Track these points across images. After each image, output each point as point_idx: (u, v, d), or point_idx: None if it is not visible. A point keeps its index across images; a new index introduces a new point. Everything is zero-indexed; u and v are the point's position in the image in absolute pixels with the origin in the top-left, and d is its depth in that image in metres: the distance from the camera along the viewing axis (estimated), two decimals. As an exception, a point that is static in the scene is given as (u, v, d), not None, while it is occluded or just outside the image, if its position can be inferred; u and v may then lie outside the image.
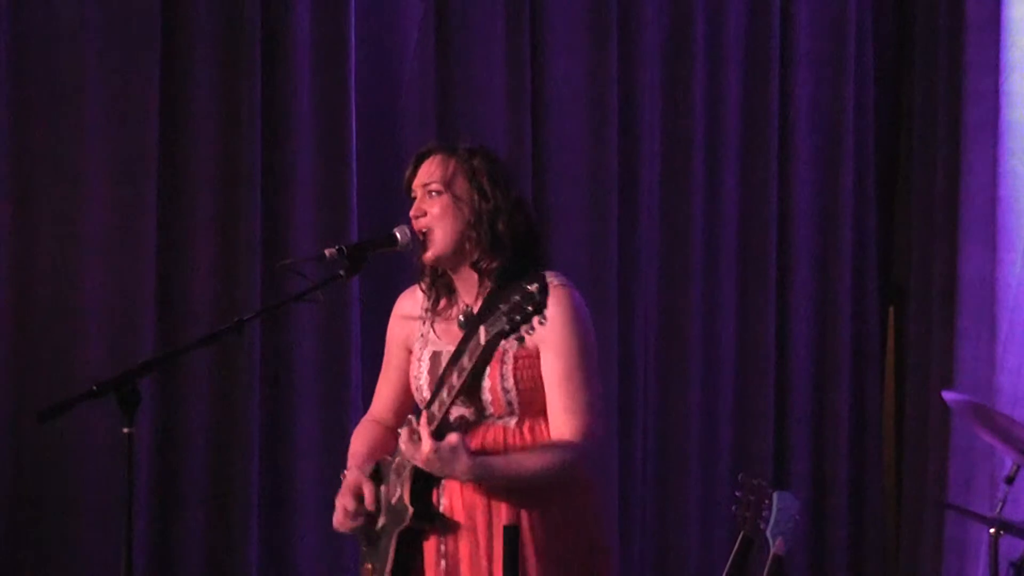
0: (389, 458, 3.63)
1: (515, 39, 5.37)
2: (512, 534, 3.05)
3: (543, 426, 3.54)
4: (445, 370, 3.49)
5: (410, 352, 3.70)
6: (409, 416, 3.51)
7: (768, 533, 4.12)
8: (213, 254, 4.97)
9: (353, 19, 5.11)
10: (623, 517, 5.54)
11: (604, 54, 5.49)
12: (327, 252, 3.52)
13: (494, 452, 3.49)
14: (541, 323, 3.32)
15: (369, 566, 3.63)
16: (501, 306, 3.28)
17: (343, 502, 3.61)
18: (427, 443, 3.38)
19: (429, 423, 3.41)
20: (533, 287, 3.25)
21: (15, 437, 4.76)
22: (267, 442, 5.01)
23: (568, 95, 5.48)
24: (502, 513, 3.50)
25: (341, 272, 3.53)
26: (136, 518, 4.31)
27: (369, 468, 3.65)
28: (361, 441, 3.77)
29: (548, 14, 5.44)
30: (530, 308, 3.25)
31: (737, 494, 4.13)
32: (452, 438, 3.38)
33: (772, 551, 4.12)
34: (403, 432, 3.44)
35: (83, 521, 4.79)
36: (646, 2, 5.58)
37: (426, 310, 3.68)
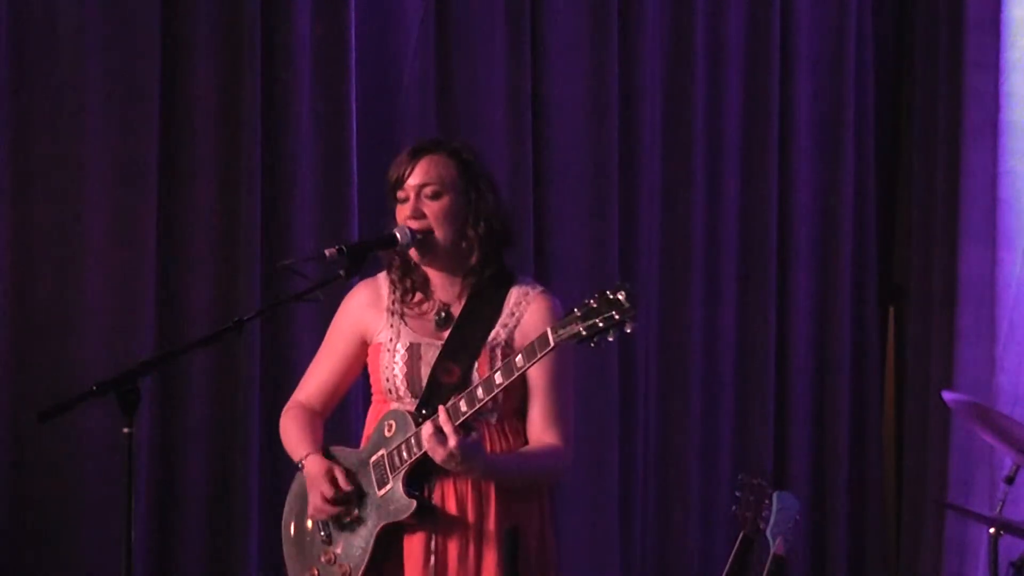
0: (348, 449, 3.63)
1: (515, 39, 5.37)
2: (512, 535, 3.05)
3: (519, 426, 3.57)
4: (483, 380, 3.42)
5: (365, 343, 3.67)
6: (441, 407, 3.44)
7: (768, 533, 4.12)
8: (213, 254, 4.96)
9: (353, 19, 5.11)
10: (623, 517, 5.54)
11: (604, 54, 5.49)
12: (327, 252, 3.52)
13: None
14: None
15: (329, 557, 3.61)
16: (575, 310, 3.20)
17: (320, 489, 3.59)
18: (453, 438, 3.37)
19: (453, 418, 3.39)
20: (620, 295, 3.15)
21: (15, 437, 4.76)
22: (267, 442, 5.00)
23: (568, 95, 5.48)
24: (491, 508, 3.52)
25: (341, 272, 3.53)
26: (136, 518, 4.29)
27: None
28: (300, 427, 3.75)
29: (548, 14, 5.44)
30: (617, 317, 3.15)
31: (737, 494, 4.14)
32: (475, 436, 3.41)
33: (772, 551, 4.13)
34: (426, 426, 3.41)
35: (83, 521, 4.79)
36: (646, 2, 5.58)
37: (393, 302, 3.65)
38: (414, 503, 3.48)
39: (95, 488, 4.77)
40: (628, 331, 3.18)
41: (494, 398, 3.44)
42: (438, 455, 3.39)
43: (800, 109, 5.87)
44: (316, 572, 3.64)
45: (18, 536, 4.77)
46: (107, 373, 3.36)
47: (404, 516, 3.49)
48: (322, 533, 3.65)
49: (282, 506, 5.06)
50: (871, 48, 6.02)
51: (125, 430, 3.28)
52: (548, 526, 3.63)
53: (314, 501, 3.62)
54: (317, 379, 3.78)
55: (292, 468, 5.05)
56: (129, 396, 3.28)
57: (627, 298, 3.15)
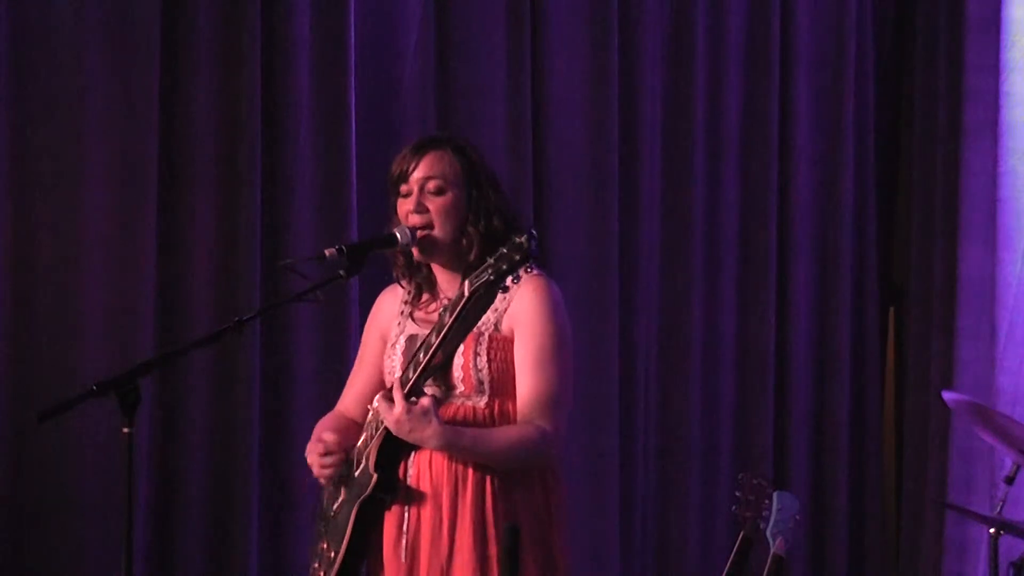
0: (356, 445, 3.64)
1: (515, 39, 5.37)
2: (512, 534, 3.04)
3: (511, 409, 3.56)
4: (421, 342, 3.48)
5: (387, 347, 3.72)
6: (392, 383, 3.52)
7: (768, 533, 4.12)
8: (213, 254, 4.96)
9: (353, 19, 5.11)
10: (623, 516, 5.54)
11: (604, 54, 5.49)
12: (327, 252, 3.53)
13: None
14: (528, 271, 3.36)
15: (325, 544, 3.63)
16: (487, 259, 3.29)
17: (313, 449, 3.62)
18: (399, 404, 3.41)
19: (403, 386, 3.44)
20: (522, 238, 3.25)
21: (15, 437, 4.76)
22: (267, 442, 5.01)
23: (568, 95, 5.48)
24: (468, 490, 3.51)
25: (341, 272, 3.54)
26: (136, 518, 4.31)
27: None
28: (324, 423, 3.78)
29: (548, 14, 5.44)
30: (517, 257, 3.25)
31: (737, 494, 4.13)
32: (424, 402, 3.42)
33: (772, 551, 4.12)
34: (379, 396, 3.48)
35: (83, 521, 4.79)
36: (647, 2, 5.58)
37: (405, 302, 3.71)
38: (375, 476, 3.50)
39: (95, 488, 4.77)
40: (530, 270, 3.39)
41: (479, 380, 3.50)
42: (388, 422, 3.44)
43: (800, 109, 5.87)
44: (317, 565, 3.66)
45: (18, 536, 4.77)
46: (107, 373, 3.36)
47: (368, 491, 3.51)
48: (320, 527, 3.67)
49: (282, 506, 5.08)
50: (871, 48, 6.02)
51: (125, 430, 3.28)
52: (553, 524, 3.60)
53: (312, 464, 3.64)
54: (353, 389, 3.83)
55: (292, 468, 5.08)
56: (129, 396, 3.28)
57: (527, 239, 3.24)
